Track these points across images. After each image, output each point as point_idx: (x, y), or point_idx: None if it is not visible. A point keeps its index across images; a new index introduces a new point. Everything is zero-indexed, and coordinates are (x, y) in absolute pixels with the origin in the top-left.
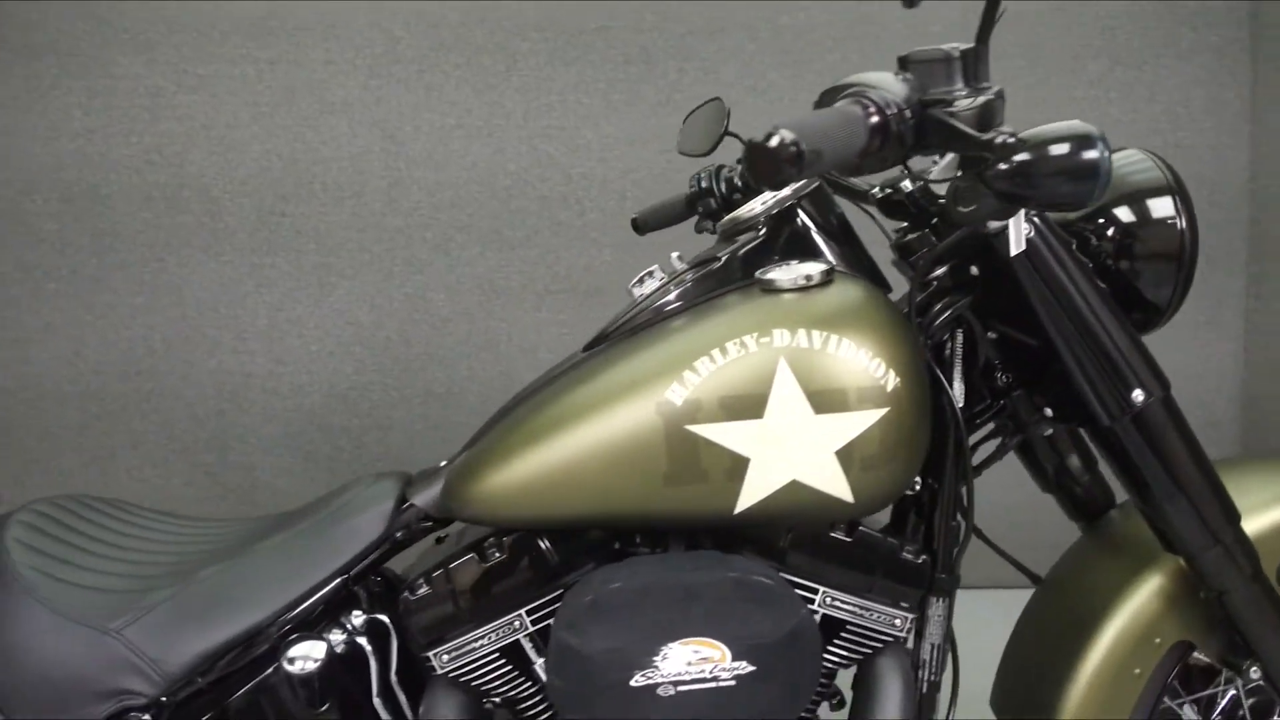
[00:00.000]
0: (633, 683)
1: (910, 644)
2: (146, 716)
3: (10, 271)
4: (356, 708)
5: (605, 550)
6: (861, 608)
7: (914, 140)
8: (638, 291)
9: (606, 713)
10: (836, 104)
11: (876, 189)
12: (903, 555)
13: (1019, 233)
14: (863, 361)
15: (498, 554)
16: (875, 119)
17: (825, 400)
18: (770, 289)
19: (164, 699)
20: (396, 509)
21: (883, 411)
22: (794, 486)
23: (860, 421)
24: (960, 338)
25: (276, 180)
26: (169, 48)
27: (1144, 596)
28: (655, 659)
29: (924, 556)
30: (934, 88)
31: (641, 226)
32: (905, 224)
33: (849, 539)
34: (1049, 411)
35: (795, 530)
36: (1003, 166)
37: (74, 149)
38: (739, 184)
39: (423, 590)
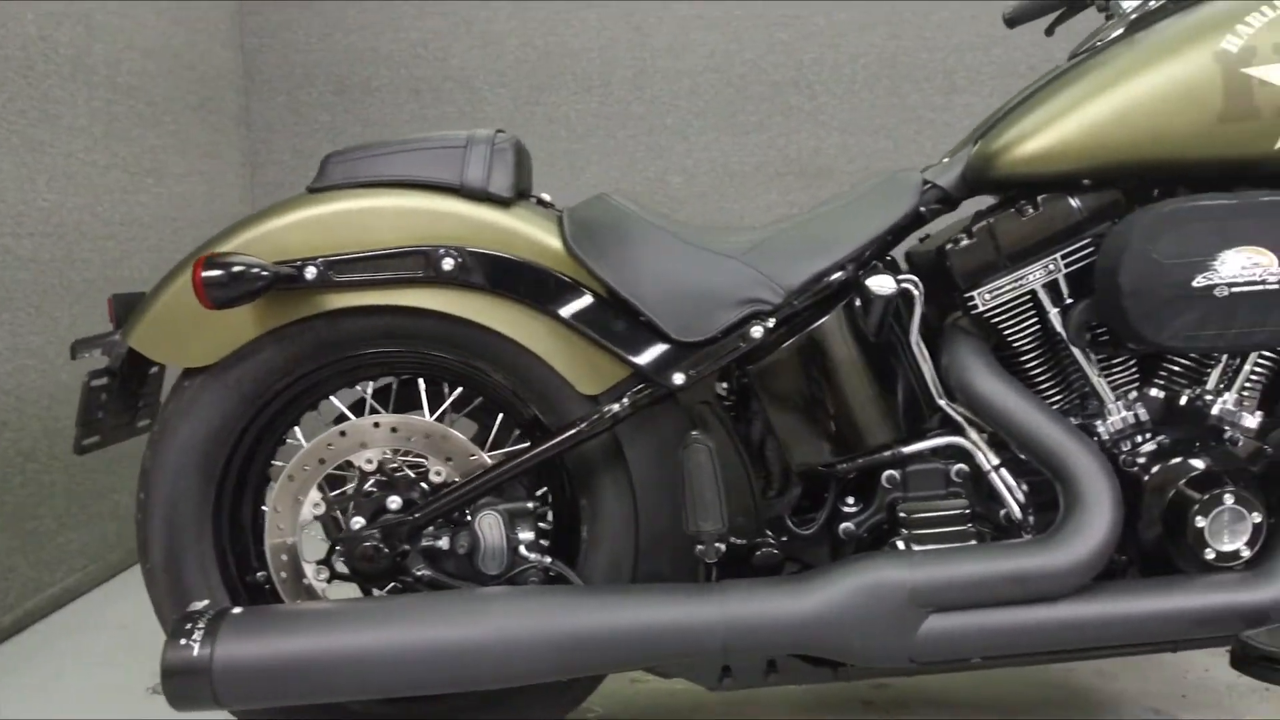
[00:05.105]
0: (1194, 283)
1: None
2: (770, 321)
3: (287, 159)
4: (896, 348)
5: (1123, 209)
6: None
7: None
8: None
9: (1171, 311)
10: None
11: None
12: None
13: None
14: None
15: (1032, 209)
16: None
17: None
18: None
19: (779, 309)
20: (921, 187)
21: None
22: None
23: None
24: None
25: (531, 71)
26: None
27: None
28: (1214, 263)
29: None
30: None
31: (1013, 21)
32: None
33: None
34: None
35: None
36: None
37: (347, 44)
38: None
39: (966, 241)
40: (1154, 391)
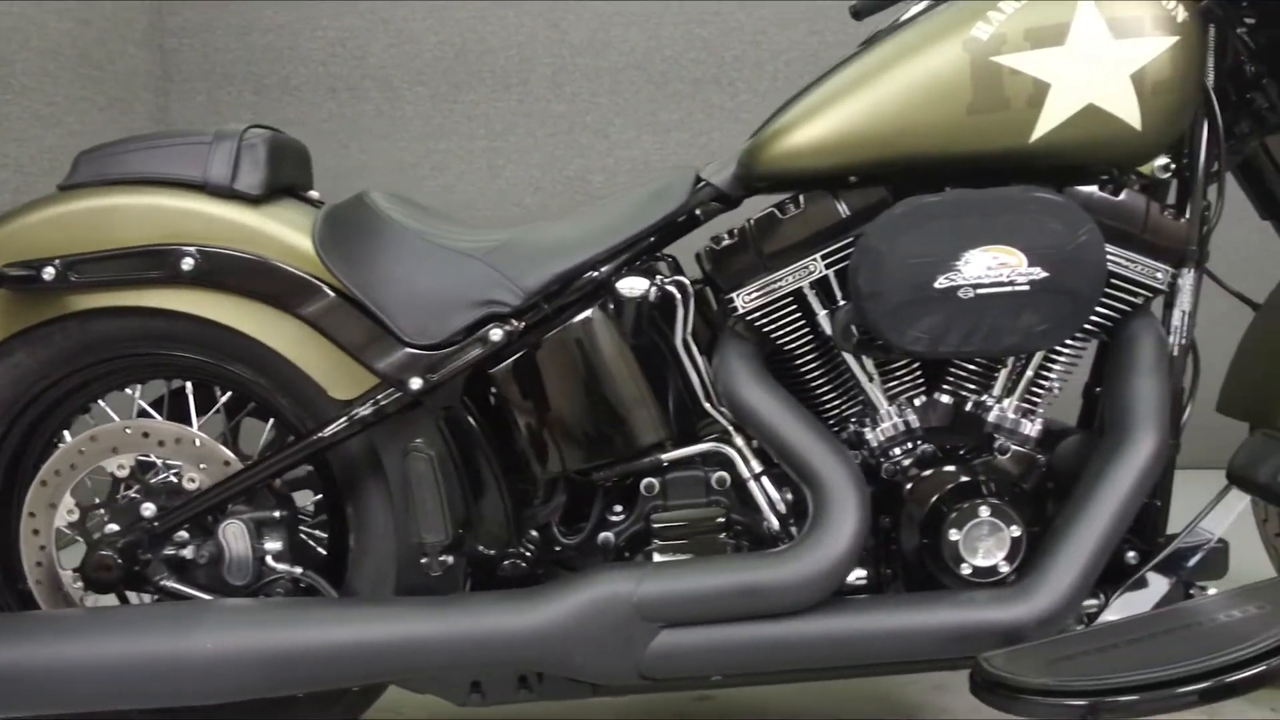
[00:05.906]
0: (936, 285)
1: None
2: (519, 324)
3: None
4: (661, 354)
5: (889, 207)
6: (1127, 258)
7: None
8: None
9: (912, 313)
10: None
11: None
12: (1164, 213)
13: None
14: None
15: (794, 208)
16: None
17: (1123, 26)
18: None
19: (522, 312)
20: (694, 186)
21: (1174, 39)
22: (1090, 111)
23: (1154, 47)
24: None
25: (449, 69)
26: None
27: None
28: (957, 263)
29: (1181, 219)
30: None
31: (859, 14)
32: None
33: (1114, 196)
34: None
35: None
36: None
37: (265, 43)
38: None
39: (728, 241)
40: (943, 398)
